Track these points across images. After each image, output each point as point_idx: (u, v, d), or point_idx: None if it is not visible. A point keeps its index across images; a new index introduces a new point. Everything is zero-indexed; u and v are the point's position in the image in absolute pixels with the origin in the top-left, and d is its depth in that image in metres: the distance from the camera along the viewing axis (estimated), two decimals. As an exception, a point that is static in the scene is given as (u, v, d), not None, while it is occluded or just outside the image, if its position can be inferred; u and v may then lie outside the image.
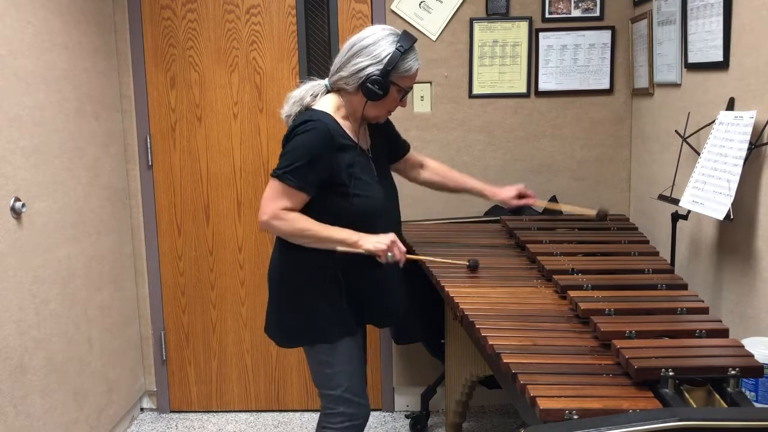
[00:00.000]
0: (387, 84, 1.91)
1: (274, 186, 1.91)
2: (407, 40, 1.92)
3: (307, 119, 1.90)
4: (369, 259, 1.99)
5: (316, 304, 2.00)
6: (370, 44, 1.91)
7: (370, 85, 1.90)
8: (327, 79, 2.02)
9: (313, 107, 1.97)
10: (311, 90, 2.00)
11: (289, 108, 2.00)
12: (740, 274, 2.07)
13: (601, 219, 2.18)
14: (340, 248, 1.94)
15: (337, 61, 1.97)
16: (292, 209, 1.91)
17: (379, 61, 1.90)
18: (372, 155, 2.06)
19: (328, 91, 2.02)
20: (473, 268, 2.19)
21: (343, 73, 1.94)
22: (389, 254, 1.96)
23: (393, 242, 1.97)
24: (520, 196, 2.32)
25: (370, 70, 1.90)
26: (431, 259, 2.24)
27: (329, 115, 1.94)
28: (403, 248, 2.01)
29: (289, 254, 2.00)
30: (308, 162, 1.87)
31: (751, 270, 2.01)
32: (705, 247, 2.29)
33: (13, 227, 2.22)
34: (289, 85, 3.06)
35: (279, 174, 1.89)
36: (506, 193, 2.31)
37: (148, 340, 3.24)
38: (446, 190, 2.38)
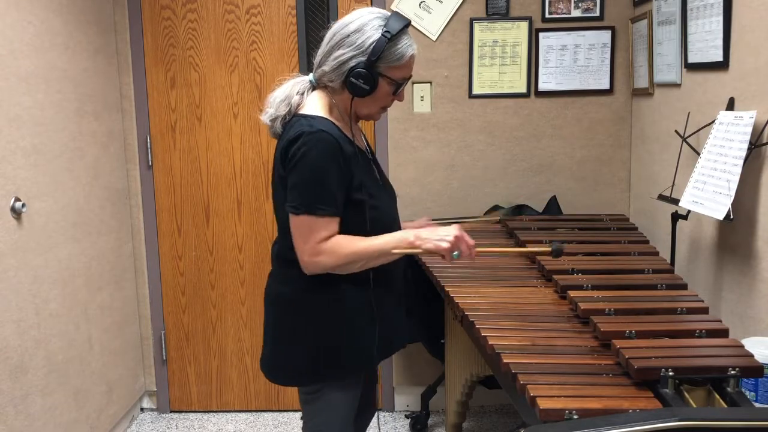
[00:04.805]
0: (374, 77, 1.64)
1: (301, 222, 1.62)
2: (396, 23, 1.63)
3: (305, 131, 1.62)
4: (392, 280, 1.81)
5: (342, 334, 1.74)
6: (353, 32, 1.64)
7: (354, 80, 1.64)
8: (311, 74, 1.76)
9: (302, 111, 1.70)
10: (296, 87, 1.73)
11: (274, 110, 1.72)
12: (740, 274, 2.07)
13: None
14: (396, 251, 1.67)
15: (320, 53, 1.71)
16: (329, 238, 1.64)
17: (362, 52, 1.63)
18: (370, 156, 1.85)
19: (314, 88, 1.76)
20: (557, 254, 1.82)
21: (326, 68, 1.68)
22: (454, 253, 1.66)
23: (458, 237, 1.66)
24: None
25: (353, 62, 1.64)
26: (504, 249, 1.88)
27: (326, 119, 1.68)
28: (472, 241, 1.68)
29: (312, 279, 1.71)
30: (330, 182, 1.62)
31: (751, 270, 2.01)
32: (705, 247, 2.29)
33: (13, 227, 2.22)
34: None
35: (305, 207, 1.61)
36: (414, 225, 2.07)
37: (148, 340, 3.24)
38: None
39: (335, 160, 1.62)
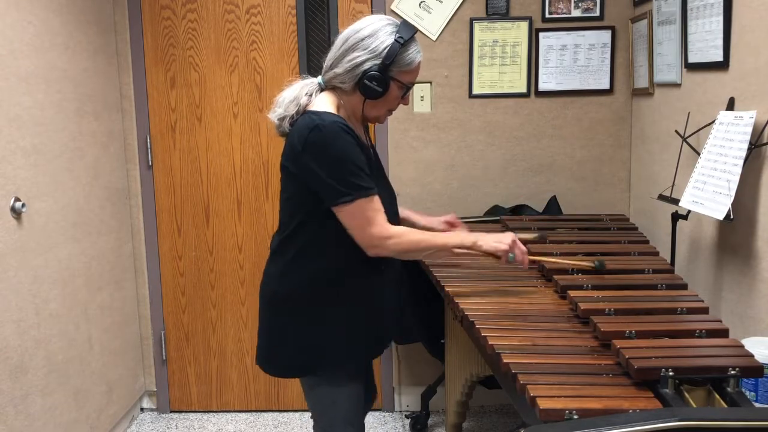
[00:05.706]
0: (387, 80, 1.72)
1: (357, 208, 1.68)
2: (407, 31, 1.73)
3: (319, 124, 1.67)
4: (391, 279, 1.86)
5: (338, 330, 1.79)
6: (367, 36, 1.71)
7: (367, 82, 1.71)
8: (320, 77, 1.82)
9: (311, 109, 1.75)
10: (304, 89, 1.79)
11: (283, 110, 1.77)
12: (740, 274, 2.07)
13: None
14: (457, 250, 1.84)
15: (331, 56, 1.77)
16: (385, 220, 1.73)
17: (376, 55, 1.71)
18: (374, 156, 1.91)
19: (321, 90, 1.82)
20: (599, 268, 2.04)
21: (338, 70, 1.74)
22: (510, 255, 1.87)
23: (514, 242, 1.87)
24: (451, 225, 2.15)
25: (367, 65, 1.71)
26: (554, 260, 2.05)
27: (335, 114, 1.73)
28: (524, 248, 1.89)
29: (310, 269, 1.78)
30: (360, 163, 1.69)
31: (751, 270, 2.01)
32: (705, 247, 2.29)
33: (13, 227, 2.22)
34: (289, 85, 3.06)
35: (355, 192, 1.67)
36: (435, 221, 2.15)
37: (148, 340, 3.24)
38: None
39: (354, 143, 1.70)
